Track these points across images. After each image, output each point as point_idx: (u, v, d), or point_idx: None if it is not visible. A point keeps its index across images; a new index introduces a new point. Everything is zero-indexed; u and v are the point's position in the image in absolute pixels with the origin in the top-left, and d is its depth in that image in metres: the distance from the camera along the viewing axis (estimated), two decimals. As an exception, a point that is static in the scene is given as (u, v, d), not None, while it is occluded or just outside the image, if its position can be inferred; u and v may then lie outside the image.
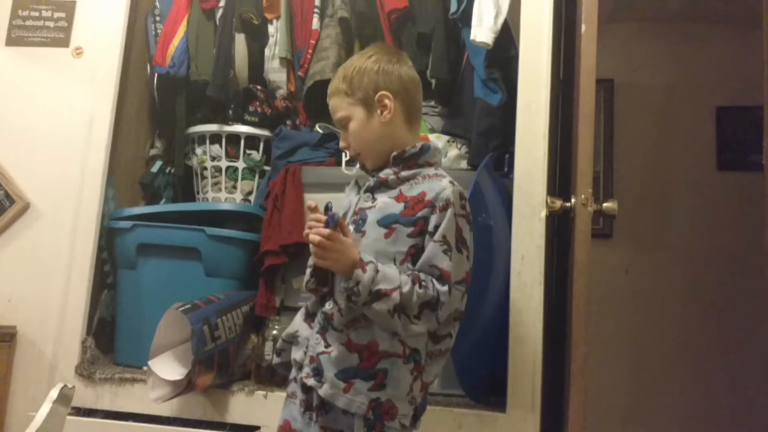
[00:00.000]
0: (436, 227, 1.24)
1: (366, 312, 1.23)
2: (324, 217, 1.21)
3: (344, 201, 1.43)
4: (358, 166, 1.53)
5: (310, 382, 1.28)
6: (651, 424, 2.91)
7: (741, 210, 2.96)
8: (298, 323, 1.40)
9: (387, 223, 1.28)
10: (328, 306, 1.30)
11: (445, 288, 1.22)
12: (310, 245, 1.23)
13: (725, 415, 2.84)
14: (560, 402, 1.82)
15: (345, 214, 1.38)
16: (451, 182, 1.29)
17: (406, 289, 1.19)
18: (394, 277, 1.21)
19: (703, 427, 2.84)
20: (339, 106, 1.37)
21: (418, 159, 1.34)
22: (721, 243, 2.97)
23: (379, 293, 1.19)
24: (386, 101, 1.33)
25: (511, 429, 1.69)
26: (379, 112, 1.33)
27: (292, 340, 1.39)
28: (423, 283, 1.21)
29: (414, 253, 1.26)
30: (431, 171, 1.33)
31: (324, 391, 1.26)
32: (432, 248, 1.23)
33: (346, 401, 1.24)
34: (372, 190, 1.34)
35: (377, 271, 1.20)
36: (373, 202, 1.32)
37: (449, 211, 1.24)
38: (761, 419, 2.77)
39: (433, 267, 1.23)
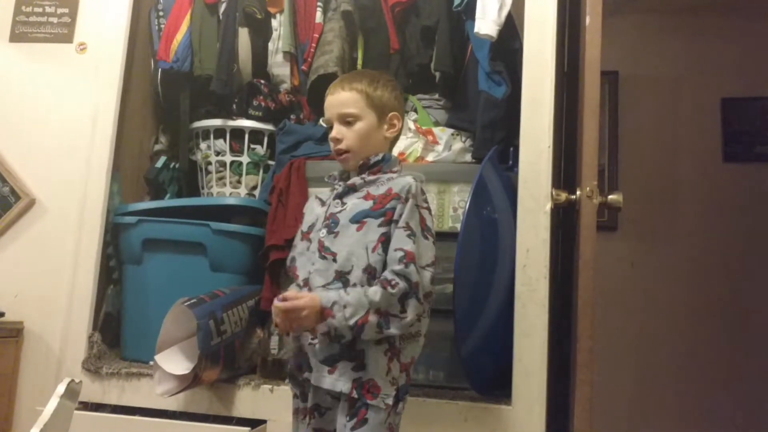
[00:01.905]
0: (401, 216, 1.36)
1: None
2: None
3: (307, 216, 1.51)
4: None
5: (305, 374, 1.37)
6: (656, 417, 2.91)
7: (747, 202, 2.95)
8: None
9: (358, 218, 1.38)
10: None
11: (410, 269, 1.30)
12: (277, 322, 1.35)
13: (730, 407, 2.84)
14: (566, 395, 1.82)
15: (312, 226, 1.46)
16: (414, 178, 1.41)
17: (377, 298, 1.29)
18: (361, 301, 1.29)
19: (707, 419, 2.84)
20: (353, 102, 1.45)
21: (381, 166, 1.45)
22: (727, 235, 2.95)
23: (357, 325, 1.28)
24: (395, 122, 1.48)
25: (516, 422, 1.69)
26: (386, 127, 1.46)
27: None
28: (393, 282, 1.30)
29: (384, 240, 1.35)
30: (395, 175, 1.44)
31: (313, 378, 1.35)
32: (397, 234, 1.34)
33: (332, 381, 1.32)
34: (341, 197, 1.45)
35: (345, 307, 1.28)
36: (343, 206, 1.42)
37: (410, 202, 1.36)
38: (766, 411, 2.77)
39: (399, 249, 1.32)
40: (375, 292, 1.29)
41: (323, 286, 1.36)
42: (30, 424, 1.21)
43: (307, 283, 1.40)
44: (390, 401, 1.31)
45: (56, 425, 1.21)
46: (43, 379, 1.98)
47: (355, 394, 1.30)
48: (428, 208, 1.41)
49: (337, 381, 1.31)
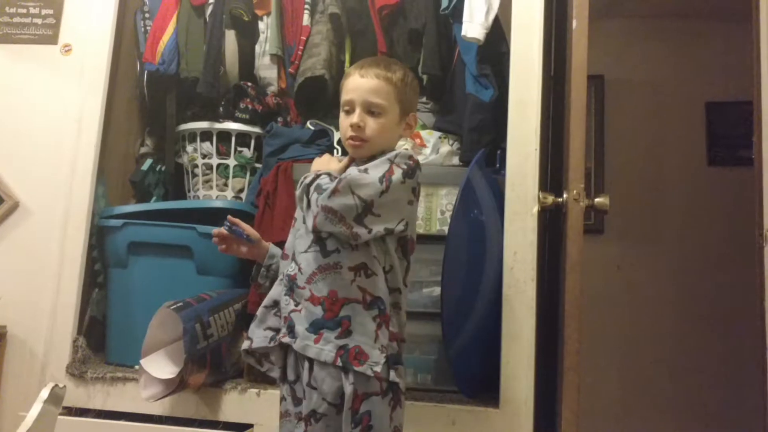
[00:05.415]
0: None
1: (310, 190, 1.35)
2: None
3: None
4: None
5: (286, 339, 1.36)
6: (644, 420, 2.92)
7: (731, 205, 2.97)
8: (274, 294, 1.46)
9: None
10: (290, 268, 1.40)
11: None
12: None
13: (718, 410, 2.86)
14: (553, 398, 1.83)
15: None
16: (406, 149, 1.42)
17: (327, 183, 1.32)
18: (332, 179, 1.33)
19: (696, 421, 2.86)
20: (384, 93, 1.41)
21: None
22: (711, 238, 2.98)
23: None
24: (411, 123, 1.48)
25: (504, 425, 1.69)
26: (403, 126, 1.46)
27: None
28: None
29: None
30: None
31: (297, 344, 1.33)
32: (351, 169, 1.35)
33: (316, 351, 1.31)
34: None
35: (329, 174, 1.35)
36: None
37: (384, 157, 1.36)
38: (752, 412, 2.79)
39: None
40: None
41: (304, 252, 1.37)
42: (13, 430, 1.19)
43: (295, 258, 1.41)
44: (379, 369, 1.28)
45: (40, 431, 1.20)
46: (26, 383, 1.96)
47: (339, 363, 1.28)
48: (406, 172, 1.33)
49: (321, 350, 1.30)
